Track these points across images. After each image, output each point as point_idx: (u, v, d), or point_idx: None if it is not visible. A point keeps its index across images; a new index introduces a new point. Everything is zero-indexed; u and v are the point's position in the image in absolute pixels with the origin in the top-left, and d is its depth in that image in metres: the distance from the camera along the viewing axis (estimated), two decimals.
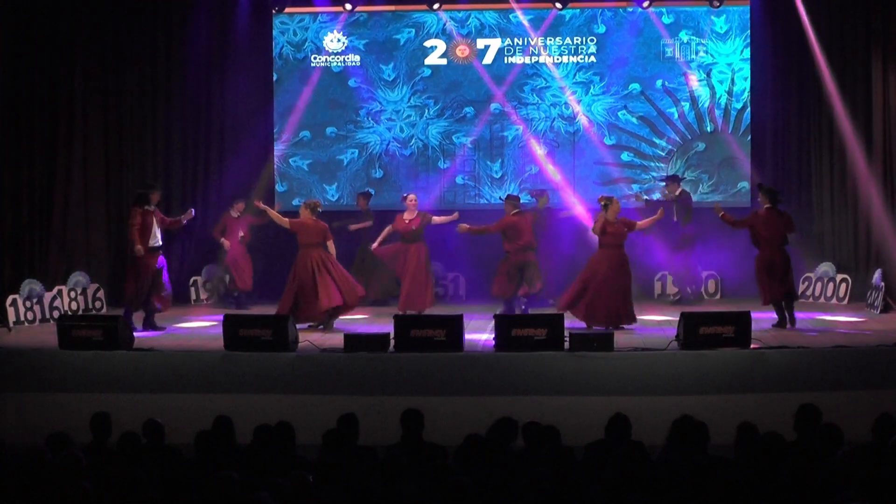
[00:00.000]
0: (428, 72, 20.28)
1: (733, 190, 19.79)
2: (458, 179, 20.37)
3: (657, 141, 19.97)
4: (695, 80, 19.90)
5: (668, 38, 19.89)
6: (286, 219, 16.52)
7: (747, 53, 19.79)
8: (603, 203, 15.85)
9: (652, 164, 20.03)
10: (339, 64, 20.34)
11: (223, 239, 18.67)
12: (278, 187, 20.28)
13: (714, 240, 18.62)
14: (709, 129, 19.92)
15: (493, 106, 20.17)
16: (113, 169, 19.25)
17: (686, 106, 19.95)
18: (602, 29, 19.98)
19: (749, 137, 19.82)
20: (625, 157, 20.07)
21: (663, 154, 19.97)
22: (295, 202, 19.23)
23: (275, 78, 20.43)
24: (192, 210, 17.21)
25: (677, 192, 18.68)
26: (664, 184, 19.05)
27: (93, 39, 18.96)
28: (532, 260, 17.18)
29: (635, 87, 19.99)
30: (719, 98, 19.90)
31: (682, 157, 19.99)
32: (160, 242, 16.33)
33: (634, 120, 20.00)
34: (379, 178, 20.37)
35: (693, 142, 19.97)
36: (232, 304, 18.68)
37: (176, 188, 19.78)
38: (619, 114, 20.00)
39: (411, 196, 17.72)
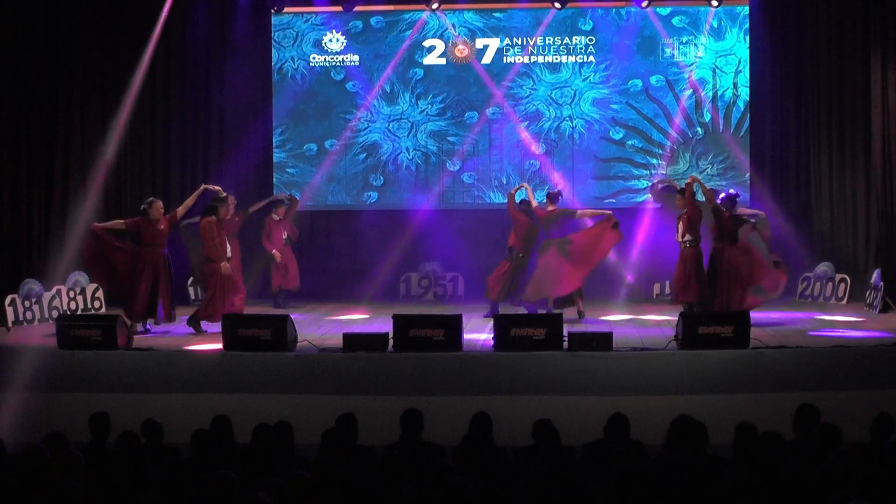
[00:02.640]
0: (426, 73, 20.29)
1: (741, 178, 19.80)
2: (465, 178, 20.36)
3: (657, 137, 19.99)
4: (692, 78, 19.92)
5: (666, 36, 19.90)
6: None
7: (746, 52, 19.80)
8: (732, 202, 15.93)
9: (655, 149, 20.03)
10: (339, 63, 20.33)
11: (274, 251, 18.54)
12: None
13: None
14: (706, 118, 19.93)
15: (492, 104, 20.20)
16: (111, 169, 19.23)
17: (685, 97, 19.95)
18: (597, 26, 20.03)
19: (748, 136, 19.84)
20: (629, 143, 20.09)
21: (668, 144, 19.96)
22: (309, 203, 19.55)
23: (273, 90, 20.43)
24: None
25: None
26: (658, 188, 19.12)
27: (91, 39, 18.95)
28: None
29: (635, 83, 20.01)
30: (719, 94, 19.91)
31: (686, 150, 20.00)
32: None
33: (634, 115, 20.02)
34: (379, 186, 20.36)
35: (693, 129, 19.97)
36: (272, 303, 18.56)
37: (175, 188, 19.75)
38: (615, 107, 20.05)
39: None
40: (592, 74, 20.04)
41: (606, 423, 8.97)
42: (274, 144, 20.47)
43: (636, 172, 20.08)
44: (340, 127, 20.41)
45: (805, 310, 17.72)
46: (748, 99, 19.83)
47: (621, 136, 20.09)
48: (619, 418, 8.96)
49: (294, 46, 20.40)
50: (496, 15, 20.17)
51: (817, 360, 13.26)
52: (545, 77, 20.12)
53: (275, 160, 20.47)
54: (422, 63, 20.29)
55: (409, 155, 20.33)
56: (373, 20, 20.32)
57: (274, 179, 20.45)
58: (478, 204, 20.27)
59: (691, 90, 19.94)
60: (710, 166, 19.96)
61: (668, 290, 18.98)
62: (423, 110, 20.28)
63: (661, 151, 20.04)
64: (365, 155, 20.43)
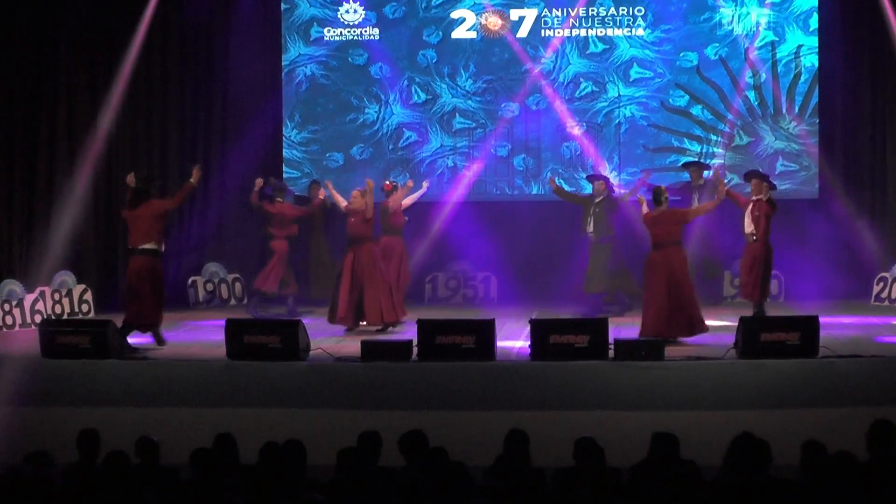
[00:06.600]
0: (455, 48, 20.28)
1: (812, 150, 19.80)
2: (517, 164, 20.38)
3: (718, 113, 20.01)
4: (755, 56, 19.88)
5: (726, 8, 19.86)
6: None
7: (815, 29, 19.73)
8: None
9: (718, 127, 20.06)
10: (357, 38, 20.30)
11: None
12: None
13: (777, 235, 18.49)
14: (771, 110, 19.92)
15: (529, 82, 20.18)
16: (100, 160, 19.27)
17: (746, 69, 19.96)
18: None
19: (817, 120, 19.78)
20: (687, 119, 20.13)
21: (739, 116, 20.01)
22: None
23: (284, 80, 20.53)
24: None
25: (701, 182, 18.67)
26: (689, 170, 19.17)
27: (81, 28, 18.94)
28: None
29: (689, 56, 19.96)
30: (784, 75, 19.87)
31: (756, 122, 19.97)
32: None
33: (690, 90, 20.02)
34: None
35: (756, 101, 19.99)
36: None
37: (174, 182, 19.79)
38: (666, 83, 20.08)
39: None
40: (641, 46, 20.00)
41: (651, 441, 8.93)
42: (294, 140, 20.45)
43: (693, 149, 20.02)
44: (364, 127, 20.45)
45: (881, 314, 17.64)
46: (817, 80, 19.73)
47: (676, 112, 20.04)
48: (664, 437, 8.90)
49: (307, 44, 20.38)
50: None
51: (894, 370, 13.21)
52: (585, 51, 20.09)
53: (289, 157, 20.49)
54: (450, 39, 20.25)
55: (447, 161, 20.31)
56: (386, 9, 20.32)
57: (284, 174, 20.46)
58: (515, 195, 20.24)
59: (753, 57, 19.89)
60: (790, 125, 19.92)
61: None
62: (458, 89, 20.26)
63: (728, 121, 19.98)
64: (395, 146, 20.43)
